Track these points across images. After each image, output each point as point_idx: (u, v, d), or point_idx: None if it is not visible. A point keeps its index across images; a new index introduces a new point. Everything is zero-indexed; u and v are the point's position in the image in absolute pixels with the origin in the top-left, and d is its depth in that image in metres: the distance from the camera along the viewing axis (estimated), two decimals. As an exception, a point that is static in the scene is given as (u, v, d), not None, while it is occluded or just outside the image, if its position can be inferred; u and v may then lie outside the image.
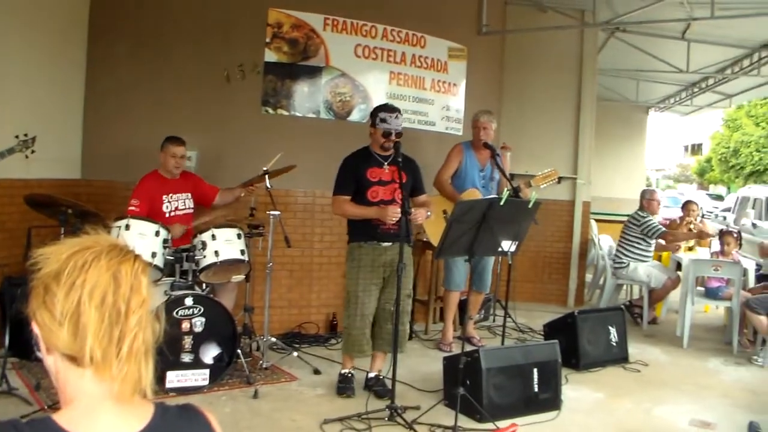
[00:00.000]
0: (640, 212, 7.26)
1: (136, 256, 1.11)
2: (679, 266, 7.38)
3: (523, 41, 7.96)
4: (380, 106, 4.59)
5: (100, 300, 1.02)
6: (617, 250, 7.40)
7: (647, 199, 7.30)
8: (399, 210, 4.12)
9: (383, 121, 4.35)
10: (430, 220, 5.23)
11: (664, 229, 7.24)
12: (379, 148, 4.40)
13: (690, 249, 7.59)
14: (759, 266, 7.43)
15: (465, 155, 5.74)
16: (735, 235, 6.87)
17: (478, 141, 5.67)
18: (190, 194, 5.12)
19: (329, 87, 5.99)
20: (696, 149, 42.28)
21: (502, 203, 3.89)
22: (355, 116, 6.07)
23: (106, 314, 1.02)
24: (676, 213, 8.14)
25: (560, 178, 7.68)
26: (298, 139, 5.88)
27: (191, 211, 5.08)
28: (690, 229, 7.70)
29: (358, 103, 6.11)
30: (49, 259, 1.05)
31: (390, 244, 4.37)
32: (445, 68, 6.65)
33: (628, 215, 7.64)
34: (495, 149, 5.56)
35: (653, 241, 7.27)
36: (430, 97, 6.56)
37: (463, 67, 6.86)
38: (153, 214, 4.75)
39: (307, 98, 5.94)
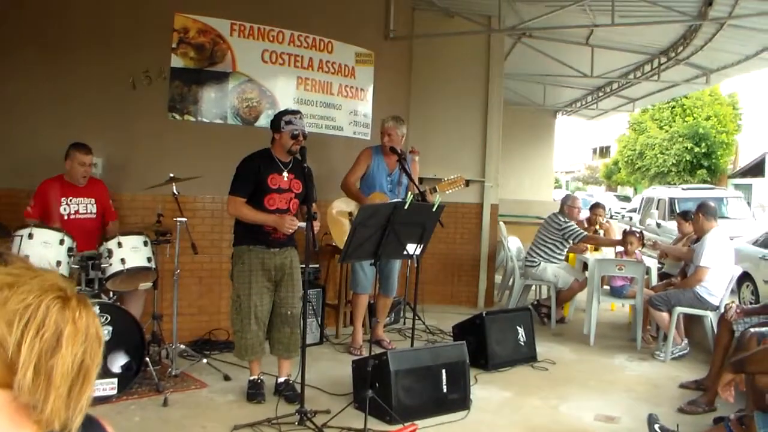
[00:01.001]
0: (560, 216, 7.63)
1: (78, 299, 1.09)
2: (585, 266, 7.80)
3: (431, 46, 8.20)
4: (283, 110, 4.69)
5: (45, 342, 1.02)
6: (530, 250, 7.73)
7: (569, 206, 7.69)
8: (296, 221, 4.31)
9: (289, 123, 4.43)
10: (338, 224, 5.43)
11: (585, 233, 7.66)
12: (284, 153, 4.46)
13: (596, 249, 8.02)
14: (662, 264, 7.92)
15: (374, 159, 5.93)
16: (638, 235, 7.30)
17: (386, 147, 5.93)
18: (94, 200, 5.14)
19: (236, 92, 6.08)
20: (604, 152, 44.33)
21: (406, 207, 4.11)
22: (262, 122, 6.16)
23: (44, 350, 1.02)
24: (586, 214, 8.63)
25: (468, 181, 7.93)
26: (205, 145, 5.97)
27: (94, 216, 5.09)
28: (596, 231, 8.20)
29: (266, 108, 6.23)
30: None
31: (278, 249, 4.51)
32: (352, 73, 6.86)
33: (539, 217, 8.02)
34: (403, 154, 5.76)
35: (568, 245, 7.67)
36: (337, 102, 6.72)
37: (370, 72, 7.08)
38: (49, 216, 4.79)
39: (215, 104, 6.02)
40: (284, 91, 6.35)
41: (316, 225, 4.29)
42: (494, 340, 5.66)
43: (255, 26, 6.17)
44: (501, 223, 9.01)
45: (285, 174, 4.45)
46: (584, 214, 8.56)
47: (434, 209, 4.41)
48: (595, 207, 8.48)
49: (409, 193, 5.12)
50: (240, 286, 4.42)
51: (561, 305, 7.74)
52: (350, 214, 5.63)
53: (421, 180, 6.73)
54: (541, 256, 7.59)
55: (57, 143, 5.17)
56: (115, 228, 5.16)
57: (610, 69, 11.20)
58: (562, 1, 7.35)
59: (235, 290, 4.48)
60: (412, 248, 4.33)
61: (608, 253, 7.78)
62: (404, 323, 7.20)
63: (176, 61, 5.86)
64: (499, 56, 8.62)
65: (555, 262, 7.61)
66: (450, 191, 6.00)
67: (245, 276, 4.43)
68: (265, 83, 6.24)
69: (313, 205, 4.31)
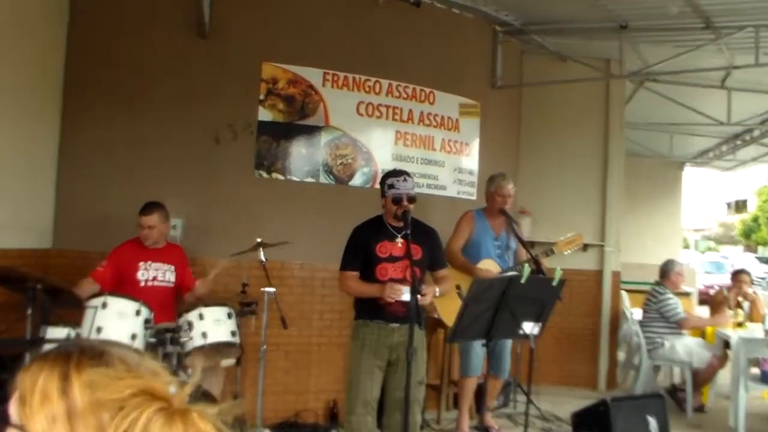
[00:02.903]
0: (659, 288, 7.33)
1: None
2: (727, 344, 7.26)
3: (542, 94, 8.15)
4: (387, 172, 4.73)
5: None
6: (644, 329, 7.36)
7: (670, 272, 7.37)
8: (400, 288, 4.24)
9: (391, 186, 4.45)
10: (442, 297, 5.31)
11: (682, 315, 7.23)
12: (393, 218, 4.48)
13: (739, 325, 7.34)
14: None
15: (477, 223, 5.87)
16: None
17: (494, 208, 5.80)
18: (174, 267, 5.19)
19: (329, 148, 6.18)
20: (740, 206, 42.25)
21: (523, 281, 3.96)
22: (357, 180, 6.23)
23: None
24: (720, 280, 8.09)
25: (586, 245, 7.87)
26: (294, 205, 6.04)
27: (171, 285, 5.14)
28: (739, 304, 7.65)
29: (361, 166, 6.28)
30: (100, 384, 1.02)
31: (398, 325, 4.42)
32: (456, 126, 6.85)
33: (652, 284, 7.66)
34: (512, 216, 5.67)
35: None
36: (440, 158, 6.72)
37: (476, 125, 7.06)
38: (124, 281, 4.87)
39: (305, 160, 6.12)
40: (381, 147, 6.40)
41: (430, 295, 4.29)
42: (621, 431, 5.29)
43: (350, 76, 6.26)
44: (623, 292, 8.62)
45: (398, 240, 4.46)
46: (724, 280, 8.03)
47: (554, 283, 4.22)
48: (739, 274, 7.97)
49: (525, 264, 4.94)
50: (351, 363, 4.47)
51: (699, 389, 7.22)
52: (457, 287, 5.48)
53: (531, 244, 6.49)
54: (659, 333, 7.19)
55: (132, 203, 5.25)
56: (201, 290, 5.15)
57: (751, 114, 10.59)
58: (694, 40, 7.03)
59: (348, 368, 4.55)
60: (528, 327, 4.15)
61: (756, 330, 7.21)
62: (515, 407, 6.96)
63: (264, 114, 6.00)
64: (620, 103, 8.42)
65: (680, 336, 7.14)
66: (568, 252, 5.90)
67: (357, 353, 4.44)
68: (361, 138, 6.30)
69: (441, 272, 4.53)
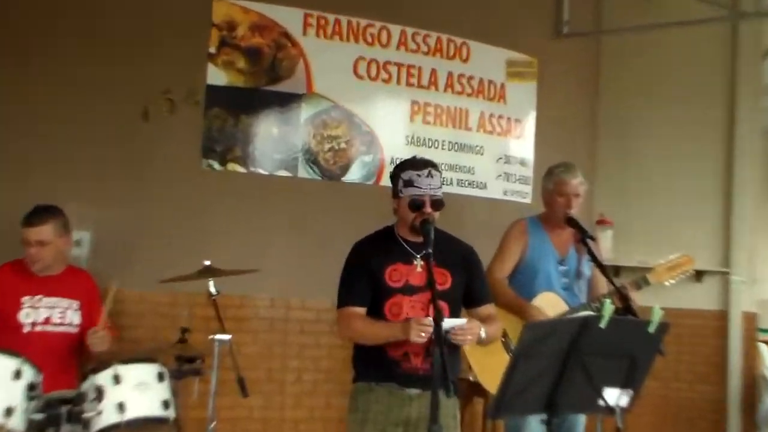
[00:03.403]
0: None
1: None
2: None
3: (632, 46, 8.13)
4: (402, 162, 4.57)
5: None
6: None
7: None
8: (429, 323, 4.01)
9: (409, 184, 4.33)
10: (479, 349, 5.18)
11: None
12: (410, 230, 4.41)
13: None
14: None
15: (531, 238, 5.74)
16: None
17: (557, 215, 5.62)
18: (78, 303, 5.11)
19: (313, 127, 6.19)
20: None
21: (602, 324, 3.76)
22: (354, 174, 6.22)
23: None
24: None
25: (700, 273, 7.72)
26: (261, 211, 6.11)
27: (75, 330, 5.08)
28: None
29: (360, 153, 6.28)
30: None
31: (418, 391, 4.30)
32: (501, 94, 6.86)
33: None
34: (585, 229, 5.49)
35: None
36: (477, 141, 6.74)
37: (531, 92, 7.07)
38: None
39: (277, 145, 6.15)
40: (391, 125, 6.42)
41: (470, 332, 4.14)
42: None
43: (343, 19, 6.27)
44: (761, 345, 8.44)
45: (417, 263, 4.38)
46: None
47: (652, 328, 4.03)
48: None
49: (607, 301, 4.79)
50: None
51: None
52: (503, 335, 5.35)
53: (615, 270, 6.36)
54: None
55: (13, 207, 5.13)
56: (105, 343, 4.98)
57: None
58: None
59: None
60: (612, 396, 3.94)
61: None
62: None
63: (216, 76, 6.03)
64: (754, 58, 8.22)
65: None
66: (672, 282, 5.66)
67: (356, 430, 4.36)
68: (360, 111, 6.30)
69: (485, 308, 4.43)
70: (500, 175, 6.87)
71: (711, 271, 7.94)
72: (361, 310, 4.35)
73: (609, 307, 3.92)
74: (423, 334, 4.04)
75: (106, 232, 5.87)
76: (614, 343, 3.89)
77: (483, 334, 4.29)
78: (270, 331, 6.13)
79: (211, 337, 4.97)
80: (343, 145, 6.26)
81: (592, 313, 5.17)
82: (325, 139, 6.21)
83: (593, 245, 5.49)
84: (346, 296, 4.41)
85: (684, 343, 7.93)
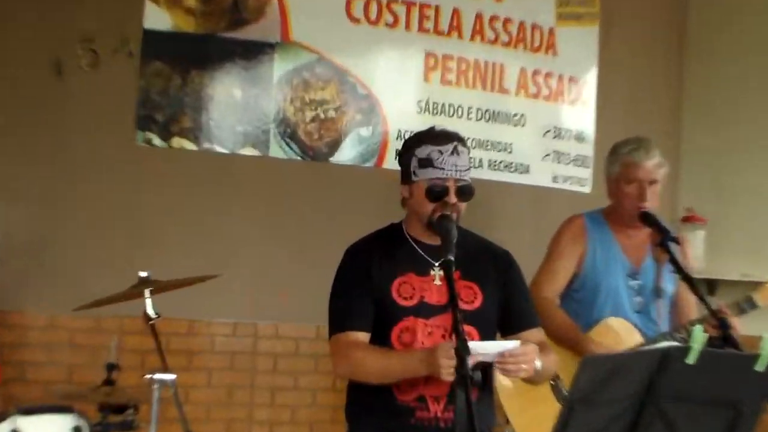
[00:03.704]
0: None
1: None
2: None
3: None
4: (418, 135, 4.40)
5: None
6: None
7: None
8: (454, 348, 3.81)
9: (426, 163, 4.16)
10: (519, 395, 5.16)
11: None
12: (425, 228, 4.20)
13: None
14: None
15: (592, 243, 5.57)
16: None
17: (627, 210, 5.44)
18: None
19: (290, 88, 6.09)
20: None
21: (691, 359, 3.47)
22: (346, 153, 6.10)
23: None
24: None
25: None
26: (219, 205, 6.10)
27: None
28: None
29: (355, 124, 6.13)
30: None
31: None
32: (550, 43, 6.78)
33: None
34: (666, 228, 5.27)
35: None
36: (516, 108, 6.66)
37: (591, 40, 7.02)
38: None
39: (241, 114, 6.05)
40: (397, 85, 6.30)
41: (523, 359, 3.94)
42: None
43: None
44: None
45: (434, 272, 4.21)
46: None
47: (761, 365, 3.69)
48: None
49: (696, 328, 4.48)
50: None
51: None
52: (554, 377, 5.18)
53: (708, 285, 6.34)
54: None
55: None
56: None
57: None
58: None
59: None
60: (706, 457, 3.87)
61: None
62: None
63: (156, 18, 5.89)
64: None
65: None
66: None
67: None
68: (354, 67, 6.17)
69: (533, 333, 4.25)
70: (548, 155, 6.74)
71: None
72: (364, 337, 4.19)
73: (700, 336, 3.66)
74: (450, 371, 3.80)
75: (3, 235, 5.77)
76: (708, 385, 3.64)
77: (539, 366, 4.08)
78: (231, 369, 6.04)
79: (148, 377, 4.73)
80: (331, 114, 6.03)
81: (676, 344, 4.83)
82: (306, 105, 5.99)
83: (678, 251, 5.24)
84: (342, 319, 4.23)
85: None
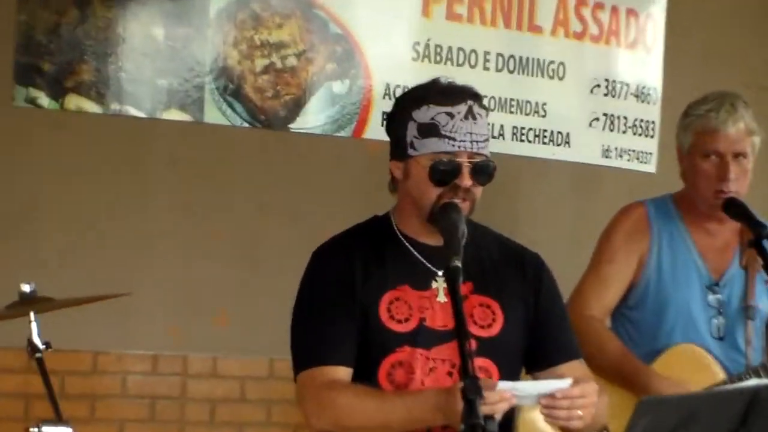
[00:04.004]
0: None
1: None
2: None
3: None
4: (417, 90, 4.07)
5: None
6: None
7: None
8: (494, 385, 3.64)
9: (429, 131, 3.87)
10: None
11: None
12: (423, 222, 3.98)
13: None
14: None
15: (658, 241, 5.40)
16: None
17: (704, 196, 5.23)
18: None
19: (234, 27, 6.05)
20: None
21: None
22: (315, 118, 5.87)
23: None
24: None
25: None
26: (134, 189, 6.14)
27: None
28: None
29: (327, 76, 5.94)
30: None
31: None
32: None
33: None
34: (762, 222, 5.02)
35: None
36: (551, 54, 6.70)
37: None
38: None
39: (165, 63, 6.04)
40: (385, 23, 6.05)
41: (581, 405, 3.72)
42: None
43: None
44: None
45: (437, 285, 3.96)
46: None
47: None
48: None
49: None
50: None
51: None
52: (604, 429, 4.72)
53: None
54: None
55: None
56: None
57: None
58: None
59: None
60: None
61: None
62: None
63: None
64: None
65: None
66: None
67: None
68: None
69: (574, 366, 4.03)
70: (597, 119, 6.62)
71: None
72: (345, 374, 3.92)
73: None
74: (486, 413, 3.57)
75: None
76: None
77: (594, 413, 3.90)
78: (151, 421, 6.00)
79: (33, 430, 4.33)
80: (291, 62, 5.81)
81: None
82: (256, 49, 5.79)
83: None
84: (315, 349, 3.97)
85: None
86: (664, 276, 5.39)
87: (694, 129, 5.20)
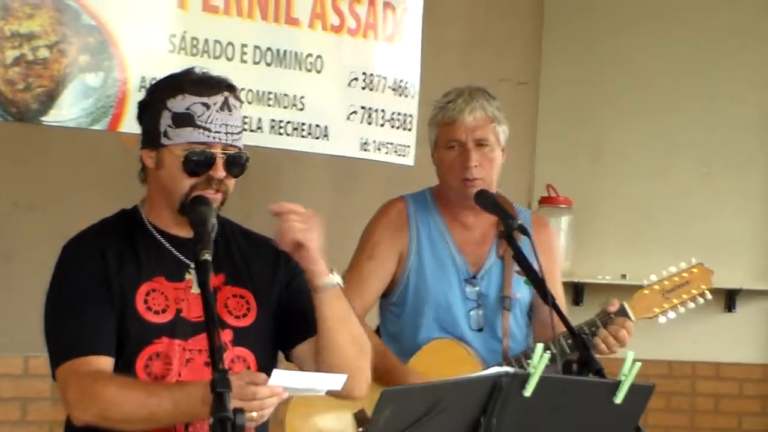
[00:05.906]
0: None
1: None
2: None
3: None
4: (171, 79, 4.29)
5: None
6: None
7: None
8: (263, 387, 3.80)
9: (183, 121, 4.05)
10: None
11: None
12: (173, 213, 4.17)
13: None
14: None
15: (416, 236, 5.79)
16: None
17: (454, 188, 5.53)
18: None
19: None
20: None
21: (528, 390, 3.60)
22: (68, 111, 5.71)
23: None
24: None
25: (731, 293, 7.93)
26: None
27: None
28: None
29: (78, 69, 5.79)
30: None
31: None
32: None
33: None
34: (509, 213, 5.36)
35: None
36: (309, 46, 6.54)
37: None
38: None
39: None
40: (140, 13, 6.02)
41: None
42: None
43: None
44: None
45: (191, 275, 4.19)
46: None
47: (619, 396, 3.83)
48: None
49: (538, 346, 4.44)
50: None
51: None
52: (359, 413, 5.40)
53: (575, 291, 6.52)
54: None
55: None
56: None
57: None
58: None
59: None
60: None
61: None
62: None
63: None
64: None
65: None
66: (672, 316, 5.80)
67: None
68: None
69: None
70: (355, 112, 6.60)
71: (749, 291, 7.96)
72: (108, 365, 4.06)
73: (540, 357, 3.74)
74: (256, 411, 3.82)
75: None
76: (557, 422, 3.95)
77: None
78: None
79: None
80: (43, 54, 5.67)
81: (510, 369, 4.70)
82: (6, 40, 5.63)
83: (528, 245, 5.23)
84: (75, 340, 4.07)
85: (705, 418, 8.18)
86: (424, 271, 5.75)
87: (437, 122, 5.76)
